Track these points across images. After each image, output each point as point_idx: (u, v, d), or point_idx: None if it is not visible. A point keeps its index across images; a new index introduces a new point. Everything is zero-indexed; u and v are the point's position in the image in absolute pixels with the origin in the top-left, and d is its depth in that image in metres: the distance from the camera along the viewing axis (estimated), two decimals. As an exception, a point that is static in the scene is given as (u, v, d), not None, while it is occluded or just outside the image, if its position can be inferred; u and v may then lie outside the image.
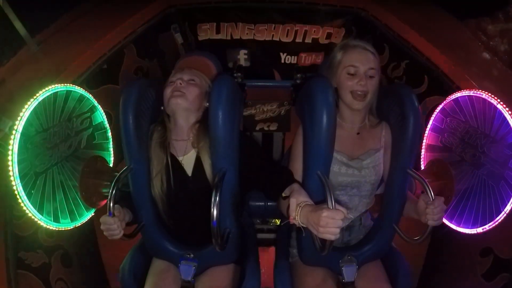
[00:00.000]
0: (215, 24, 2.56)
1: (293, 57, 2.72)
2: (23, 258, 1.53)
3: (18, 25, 1.75)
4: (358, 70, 1.44)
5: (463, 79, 1.75)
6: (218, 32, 2.60)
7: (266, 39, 2.61)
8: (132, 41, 2.12)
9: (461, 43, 2.02)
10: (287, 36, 2.60)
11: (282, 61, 2.72)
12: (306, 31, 2.58)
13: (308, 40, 2.61)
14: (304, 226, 1.21)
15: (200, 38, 2.63)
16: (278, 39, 2.61)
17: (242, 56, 2.70)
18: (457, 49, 1.94)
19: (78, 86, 1.61)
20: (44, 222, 1.44)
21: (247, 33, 2.59)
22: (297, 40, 2.61)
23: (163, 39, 2.52)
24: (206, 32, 2.61)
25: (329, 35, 2.58)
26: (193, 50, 2.56)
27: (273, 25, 2.56)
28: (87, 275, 1.98)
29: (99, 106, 1.74)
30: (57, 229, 1.53)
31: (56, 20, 2.00)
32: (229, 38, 2.61)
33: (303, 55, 2.70)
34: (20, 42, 1.80)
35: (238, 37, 2.60)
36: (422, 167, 1.84)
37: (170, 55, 2.56)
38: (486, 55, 1.89)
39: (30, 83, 1.54)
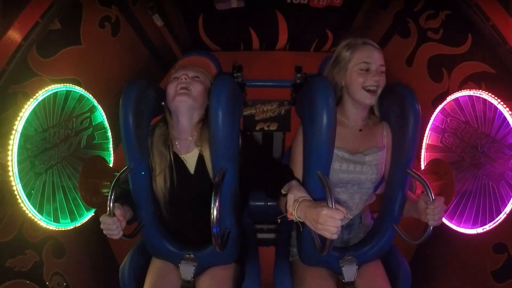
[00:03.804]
0: None
1: None
2: (12, 266, 1.46)
3: None
4: (370, 66, 1.45)
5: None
6: None
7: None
8: None
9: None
10: (295, -34, 1.93)
11: (289, 0, 2.15)
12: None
13: (325, -28, 1.96)
14: (301, 221, 1.20)
15: None
16: None
17: (235, -6, 2.04)
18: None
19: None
20: (44, 222, 1.44)
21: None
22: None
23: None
24: None
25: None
26: (192, 50, 2.50)
27: None
28: (90, 262, 1.92)
29: (96, 102, 1.68)
30: (57, 229, 1.53)
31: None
32: None
33: (317, -7, 2.05)
34: None
35: None
36: (422, 167, 1.84)
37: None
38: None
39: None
